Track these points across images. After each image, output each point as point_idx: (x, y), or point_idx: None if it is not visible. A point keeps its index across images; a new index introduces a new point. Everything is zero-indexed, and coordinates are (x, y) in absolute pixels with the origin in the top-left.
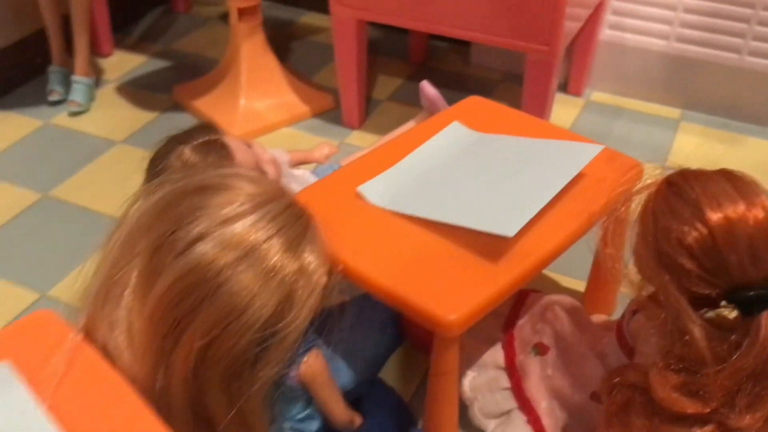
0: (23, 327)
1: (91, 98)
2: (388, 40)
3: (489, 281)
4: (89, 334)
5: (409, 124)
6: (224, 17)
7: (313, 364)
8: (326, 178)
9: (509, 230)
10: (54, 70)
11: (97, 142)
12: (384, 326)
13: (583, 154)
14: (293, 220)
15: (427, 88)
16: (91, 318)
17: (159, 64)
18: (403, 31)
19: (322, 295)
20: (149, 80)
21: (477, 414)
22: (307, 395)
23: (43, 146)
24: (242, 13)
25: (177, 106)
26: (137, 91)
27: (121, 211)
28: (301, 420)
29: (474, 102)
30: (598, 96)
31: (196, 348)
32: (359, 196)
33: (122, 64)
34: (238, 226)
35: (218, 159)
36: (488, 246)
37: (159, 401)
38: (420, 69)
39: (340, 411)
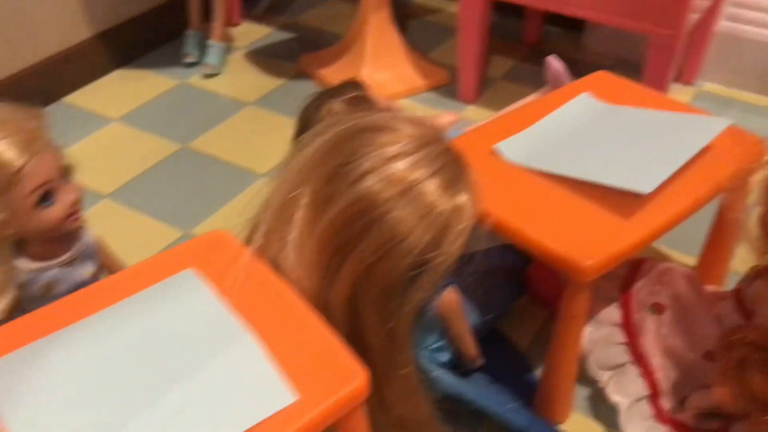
0: (201, 243)
1: (223, 62)
2: (504, 24)
3: (622, 234)
4: (261, 251)
5: (531, 98)
6: None
7: (451, 298)
8: (462, 135)
9: (646, 187)
10: (191, 34)
11: (228, 102)
12: (509, 278)
13: (710, 128)
14: (451, 162)
15: (554, 62)
16: (262, 237)
17: (283, 35)
18: (518, 16)
19: (469, 236)
20: (275, 50)
21: (592, 365)
22: (441, 328)
23: (179, 103)
24: None
25: (302, 74)
26: (264, 59)
27: (252, 163)
28: (435, 350)
29: (601, 77)
30: (709, 86)
31: (360, 269)
32: (495, 153)
33: (250, 33)
34: (401, 165)
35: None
36: (621, 203)
37: (322, 315)
38: (532, 52)
39: (469, 344)
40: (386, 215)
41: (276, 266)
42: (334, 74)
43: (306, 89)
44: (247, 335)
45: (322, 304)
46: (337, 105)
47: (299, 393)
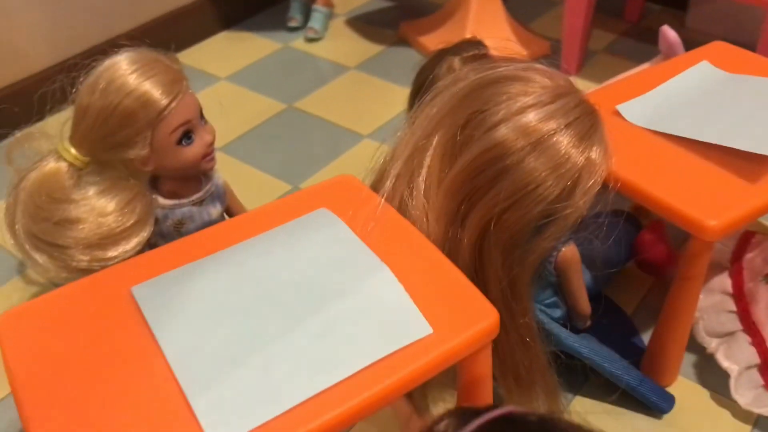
0: (330, 186)
1: (326, 28)
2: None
3: (747, 196)
4: (390, 196)
5: (644, 66)
6: None
7: (570, 253)
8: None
9: None
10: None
11: (331, 66)
12: (621, 242)
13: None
14: (584, 115)
15: (669, 32)
16: (391, 182)
17: (382, 4)
18: None
19: (596, 192)
20: (375, 17)
21: (701, 332)
22: (556, 284)
23: (283, 65)
24: None
25: (402, 42)
26: (364, 25)
27: (355, 124)
28: (548, 305)
29: (718, 46)
30: None
31: (489, 215)
32: (618, 114)
33: (349, 1)
34: (536, 115)
35: None
36: (745, 166)
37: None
38: (634, 27)
39: (583, 302)
40: (519, 164)
41: (404, 211)
42: (434, 41)
43: (406, 56)
44: (386, 268)
45: (446, 250)
46: (457, 62)
47: (433, 327)
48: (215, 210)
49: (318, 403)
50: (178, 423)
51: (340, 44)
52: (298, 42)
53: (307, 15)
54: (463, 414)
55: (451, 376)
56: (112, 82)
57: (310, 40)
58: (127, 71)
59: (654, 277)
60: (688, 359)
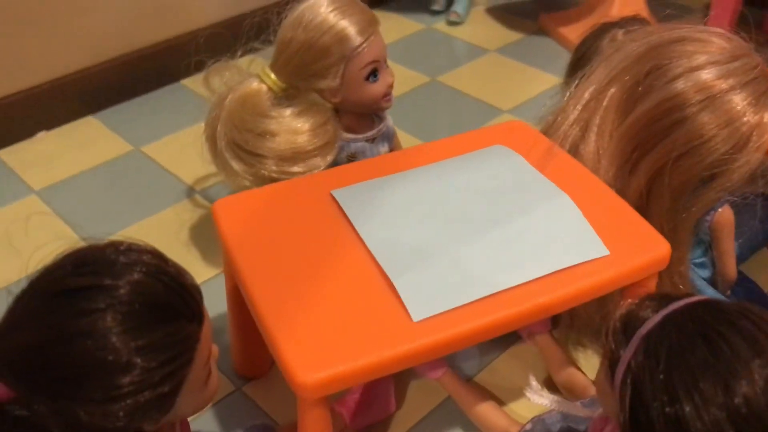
0: (501, 129)
1: (468, 13)
2: (744, 13)
3: None
4: (563, 138)
5: None
6: None
7: (726, 215)
8: None
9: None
10: None
11: (472, 48)
12: (766, 221)
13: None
14: (761, 77)
15: None
16: (565, 127)
17: None
18: (761, 7)
19: (760, 159)
20: (514, 8)
21: None
22: (707, 244)
23: (426, 44)
24: None
25: (542, 31)
26: (504, 14)
27: (496, 100)
28: (698, 265)
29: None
30: None
31: (660, 163)
32: None
33: None
34: (713, 72)
35: None
36: None
37: None
38: None
39: (731, 266)
40: (695, 116)
41: (575, 154)
42: (575, 33)
43: (545, 45)
44: (565, 195)
45: (624, 193)
46: (620, 34)
47: (610, 250)
48: (384, 149)
49: (502, 300)
50: (382, 299)
51: (481, 29)
52: (440, 24)
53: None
54: (663, 298)
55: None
56: (314, 18)
57: (452, 23)
58: (327, 9)
59: None
60: None
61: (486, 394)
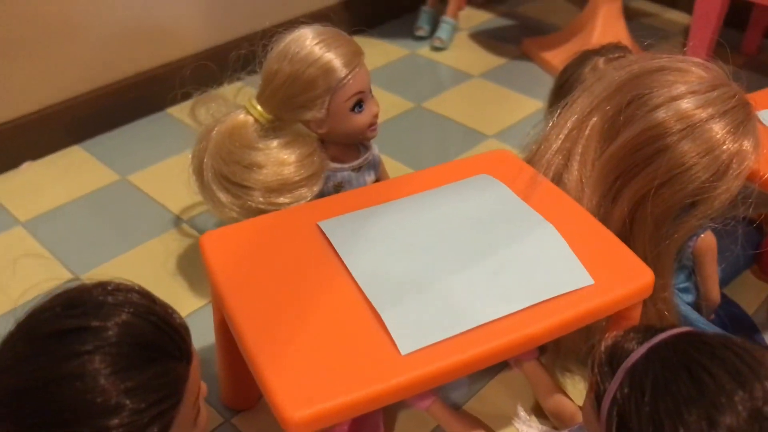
0: (486, 159)
1: (451, 39)
2: (725, 34)
3: None
4: (545, 168)
5: None
6: None
7: (708, 240)
8: None
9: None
10: (426, 11)
11: (456, 73)
12: (747, 246)
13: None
14: (739, 106)
15: None
16: (548, 156)
17: (504, 22)
18: (739, 29)
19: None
20: (497, 33)
21: None
22: (690, 269)
23: (411, 70)
24: None
25: (524, 56)
26: (487, 40)
27: (480, 125)
28: (681, 290)
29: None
30: None
31: (642, 191)
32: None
33: (472, 18)
34: (693, 102)
35: None
36: None
37: None
38: (751, 60)
39: (715, 290)
40: (675, 145)
41: (558, 183)
42: (558, 57)
43: (528, 69)
44: (550, 224)
45: (606, 220)
46: (602, 62)
47: (595, 279)
48: (369, 178)
49: (489, 331)
50: (370, 332)
51: (464, 54)
52: (424, 50)
53: (434, 26)
54: (647, 330)
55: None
56: (299, 51)
57: (436, 49)
58: (313, 42)
59: None
60: None
61: (475, 422)
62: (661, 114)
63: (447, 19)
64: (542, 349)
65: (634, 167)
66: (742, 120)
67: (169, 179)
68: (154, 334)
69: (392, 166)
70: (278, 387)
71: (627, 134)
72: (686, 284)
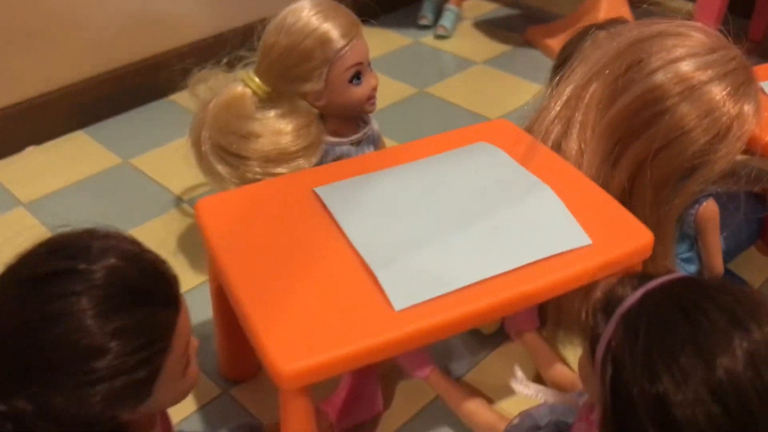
0: (487, 127)
1: (455, 27)
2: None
3: None
4: (545, 135)
5: None
6: None
7: (710, 208)
8: None
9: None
10: (429, 0)
11: (459, 60)
12: (751, 221)
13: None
14: (740, 68)
15: None
16: (549, 123)
17: (508, 11)
18: (746, 16)
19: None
20: (500, 22)
21: None
22: (693, 239)
23: (415, 58)
24: None
25: (528, 44)
26: (490, 28)
27: (484, 109)
28: (684, 260)
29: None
30: None
31: (642, 155)
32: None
33: (476, 7)
34: (692, 64)
35: None
36: None
37: None
38: (757, 47)
39: (717, 259)
40: (675, 107)
41: (557, 150)
42: (561, 44)
43: (532, 55)
44: (548, 187)
45: (608, 185)
46: (602, 34)
47: (591, 239)
48: (369, 152)
49: (484, 289)
50: (364, 290)
51: (468, 42)
52: (428, 38)
53: (437, 14)
54: (642, 276)
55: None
56: (296, 22)
57: (440, 37)
58: (310, 13)
59: None
60: None
61: (474, 391)
62: (660, 77)
63: (451, 7)
64: (543, 321)
65: (634, 131)
66: (742, 82)
67: (171, 162)
68: (142, 279)
69: None
70: (271, 342)
71: (626, 99)
72: (689, 254)
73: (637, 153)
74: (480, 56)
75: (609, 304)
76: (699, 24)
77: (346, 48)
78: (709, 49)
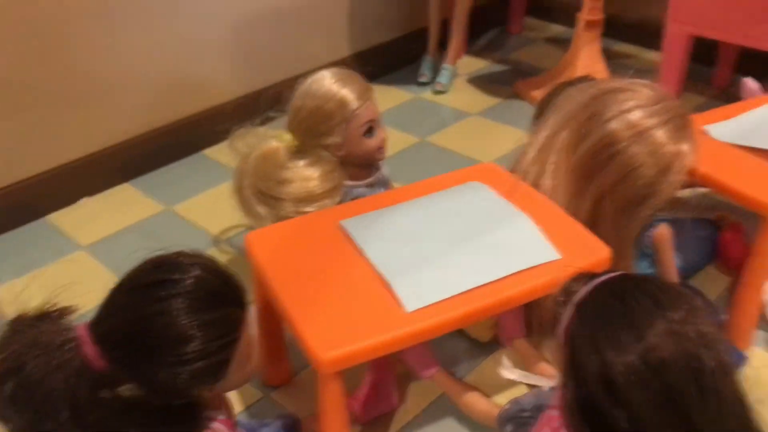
0: (475, 171)
1: (451, 83)
2: (696, 70)
3: None
4: (524, 176)
5: None
6: (549, 40)
7: (664, 231)
8: None
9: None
10: (427, 59)
11: (456, 112)
12: (705, 242)
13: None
14: (678, 116)
15: (749, 82)
16: (525, 167)
17: (498, 68)
18: (709, 64)
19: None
20: (492, 77)
21: None
22: (652, 258)
23: (415, 111)
24: (587, 24)
25: (516, 96)
26: (483, 83)
27: (479, 155)
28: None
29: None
30: None
31: (602, 189)
32: (704, 133)
33: (470, 65)
34: (639, 114)
35: None
36: None
37: None
38: (723, 92)
39: (672, 275)
40: (626, 149)
41: (536, 187)
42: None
43: (521, 106)
44: (526, 215)
45: (576, 216)
46: (572, 90)
47: (561, 255)
48: (381, 192)
49: (475, 295)
50: (383, 297)
51: (463, 96)
52: (426, 94)
53: (435, 72)
54: (594, 274)
55: None
56: (320, 88)
57: (437, 93)
58: (330, 81)
59: (734, 276)
60: (763, 335)
61: (472, 387)
62: (613, 125)
63: (446, 66)
64: (529, 331)
65: (595, 170)
66: (680, 126)
67: (208, 207)
68: (220, 286)
69: None
70: (311, 337)
71: (587, 143)
72: (649, 271)
73: (598, 187)
74: (474, 108)
75: (567, 296)
76: (646, 81)
77: (361, 108)
78: (653, 101)
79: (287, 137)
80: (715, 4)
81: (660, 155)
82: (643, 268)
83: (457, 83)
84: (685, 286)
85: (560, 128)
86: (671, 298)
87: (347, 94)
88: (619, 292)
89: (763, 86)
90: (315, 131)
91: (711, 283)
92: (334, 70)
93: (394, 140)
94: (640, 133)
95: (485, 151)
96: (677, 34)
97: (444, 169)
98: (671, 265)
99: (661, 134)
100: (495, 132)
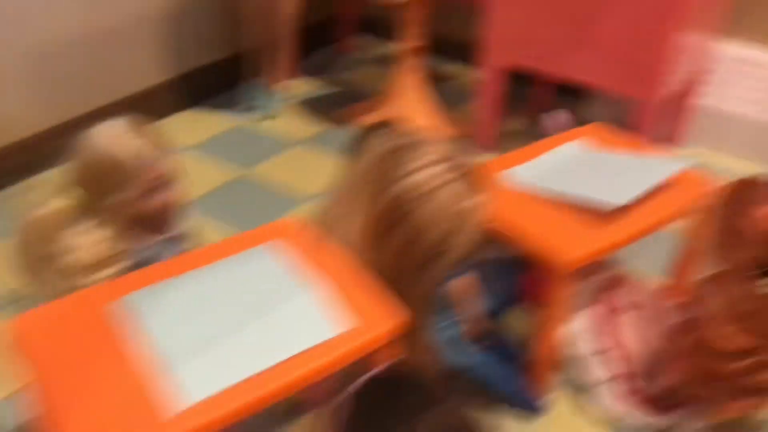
0: (276, 226)
1: (276, 109)
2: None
3: (594, 240)
4: (330, 230)
5: None
6: (377, 60)
7: (460, 284)
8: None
9: (618, 201)
10: (252, 83)
11: (281, 141)
12: (509, 280)
13: (671, 166)
14: (468, 173)
15: (560, 114)
16: (330, 224)
17: (328, 90)
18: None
19: (478, 238)
20: (321, 101)
21: (573, 352)
22: (451, 309)
23: (237, 140)
24: (410, 52)
25: (344, 122)
26: (311, 108)
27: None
28: (445, 327)
29: (595, 127)
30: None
31: (398, 245)
32: (503, 178)
33: (297, 88)
34: (428, 172)
35: None
36: (596, 217)
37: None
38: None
39: (479, 325)
40: (415, 209)
41: (344, 243)
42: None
43: (347, 134)
44: (312, 285)
45: (376, 269)
46: (373, 140)
47: (361, 321)
48: (178, 250)
49: (266, 376)
50: (160, 386)
51: (289, 123)
52: (249, 122)
53: (259, 97)
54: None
55: None
56: (104, 144)
57: (262, 119)
58: (117, 135)
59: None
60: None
61: None
62: (400, 186)
63: (273, 90)
64: None
65: (387, 230)
66: (467, 185)
67: None
68: None
69: (221, 230)
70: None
71: (377, 205)
72: (449, 321)
73: (395, 245)
74: (300, 136)
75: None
76: (433, 138)
77: (149, 164)
78: (441, 159)
79: (70, 197)
80: (527, 38)
81: (448, 215)
82: (442, 320)
83: (283, 108)
84: (491, 334)
85: (362, 180)
86: None
87: (135, 149)
88: None
89: (573, 117)
90: (101, 189)
91: (521, 321)
92: (122, 122)
93: (213, 174)
94: (429, 192)
95: (310, 182)
96: (495, 65)
97: (263, 208)
98: (475, 314)
99: (447, 194)
100: (321, 162)
